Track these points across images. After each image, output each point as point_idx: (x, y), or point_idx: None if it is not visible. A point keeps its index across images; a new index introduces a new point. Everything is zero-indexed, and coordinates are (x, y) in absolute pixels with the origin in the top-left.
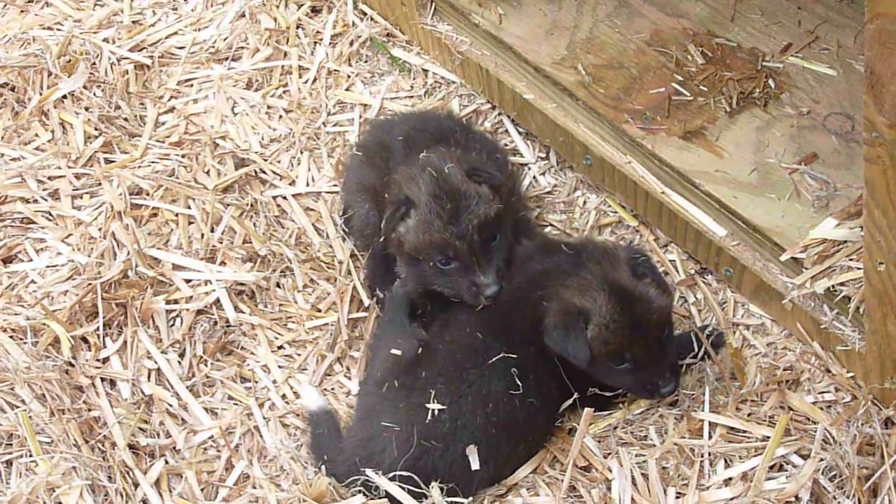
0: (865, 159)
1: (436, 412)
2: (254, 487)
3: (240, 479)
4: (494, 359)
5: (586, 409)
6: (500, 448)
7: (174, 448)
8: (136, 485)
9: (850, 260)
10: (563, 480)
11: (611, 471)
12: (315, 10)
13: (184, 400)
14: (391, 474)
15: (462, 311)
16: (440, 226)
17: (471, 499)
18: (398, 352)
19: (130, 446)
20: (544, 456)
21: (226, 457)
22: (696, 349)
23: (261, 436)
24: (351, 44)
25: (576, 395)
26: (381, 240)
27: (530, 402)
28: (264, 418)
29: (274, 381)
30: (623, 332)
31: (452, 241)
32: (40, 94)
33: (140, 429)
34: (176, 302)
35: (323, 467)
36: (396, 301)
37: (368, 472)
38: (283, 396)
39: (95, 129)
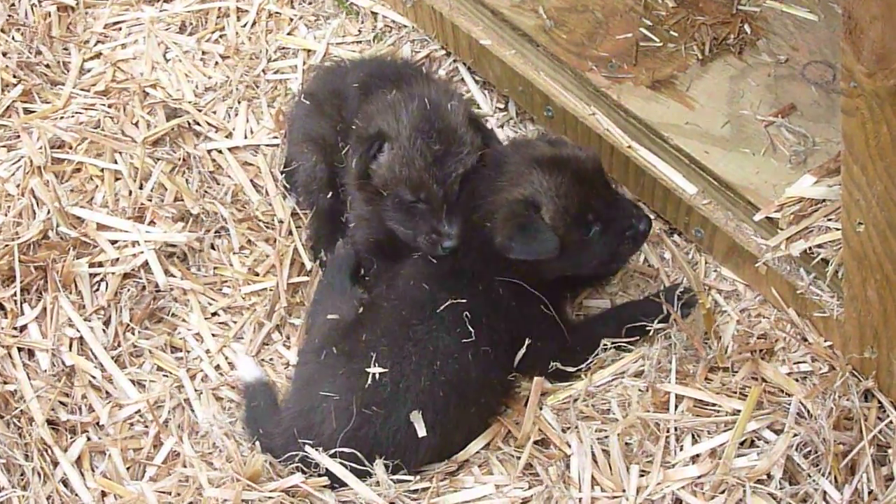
0: (843, 111)
1: (376, 376)
2: (184, 466)
3: (169, 457)
4: (442, 307)
5: (536, 379)
6: (448, 411)
7: (97, 424)
8: (56, 463)
9: (829, 220)
10: (518, 458)
11: (570, 446)
12: None
13: (108, 371)
14: (331, 450)
15: (408, 265)
16: (422, 165)
17: (417, 477)
18: (335, 316)
19: (50, 422)
20: (498, 430)
21: (154, 433)
22: (664, 312)
23: (192, 410)
24: None
25: (528, 343)
26: (352, 178)
27: (484, 353)
28: (196, 391)
29: (207, 351)
30: (573, 193)
31: (430, 183)
32: None
33: (61, 403)
34: (100, 265)
35: (258, 443)
36: (339, 262)
37: (308, 448)
38: (217, 367)
39: (14, 76)
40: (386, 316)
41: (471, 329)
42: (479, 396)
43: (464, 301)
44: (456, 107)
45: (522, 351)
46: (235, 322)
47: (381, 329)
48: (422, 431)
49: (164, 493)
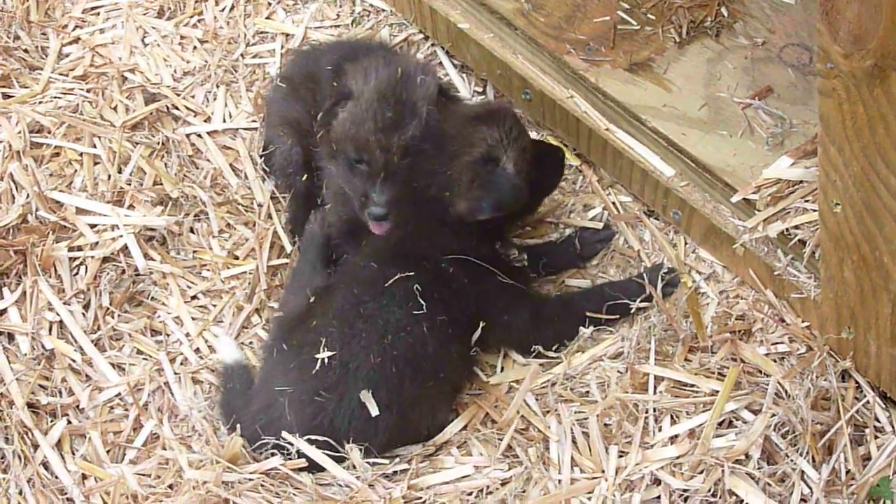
0: (820, 92)
1: (325, 361)
2: (164, 449)
3: (149, 440)
4: (391, 281)
5: (533, 366)
6: (403, 387)
7: (77, 407)
8: (36, 446)
9: (806, 201)
10: (499, 440)
11: (549, 428)
12: None
13: (88, 355)
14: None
15: (361, 248)
16: (370, 128)
17: (397, 459)
18: (280, 313)
19: (30, 405)
20: (475, 412)
21: (134, 416)
22: (647, 292)
23: (171, 393)
24: None
25: (492, 317)
26: (316, 133)
27: (440, 326)
28: (175, 374)
29: (187, 335)
30: (521, 137)
31: (373, 147)
32: None
33: (41, 386)
34: (80, 249)
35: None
36: (308, 241)
37: (285, 434)
38: (197, 351)
39: None
40: (339, 298)
41: (422, 302)
42: (437, 371)
43: (412, 274)
44: (426, 81)
45: (480, 328)
46: (215, 305)
47: (332, 312)
48: (374, 410)
49: (144, 475)
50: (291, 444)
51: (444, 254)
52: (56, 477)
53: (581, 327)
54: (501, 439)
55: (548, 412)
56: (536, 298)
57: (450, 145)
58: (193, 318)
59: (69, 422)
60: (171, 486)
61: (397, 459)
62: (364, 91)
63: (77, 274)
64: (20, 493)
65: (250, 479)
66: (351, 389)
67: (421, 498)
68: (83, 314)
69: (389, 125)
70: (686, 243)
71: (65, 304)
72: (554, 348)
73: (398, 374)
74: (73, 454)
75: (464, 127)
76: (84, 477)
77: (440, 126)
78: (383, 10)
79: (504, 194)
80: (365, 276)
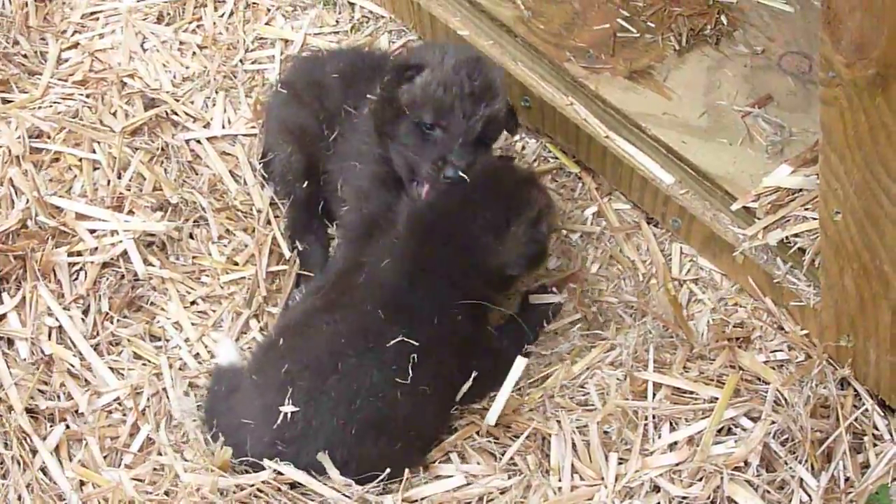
0: (821, 101)
1: (288, 415)
2: (159, 454)
3: (145, 445)
4: (392, 342)
5: (519, 359)
6: (366, 449)
7: (76, 411)
8: (35, 451)
9: (806, 210)
10: (498, 450)
11: (549, 435)
12: None
13: (87, 360)
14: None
15: (364, 281)
16: (457, 92)
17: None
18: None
19: (29, 410)
20: (470, 423)
21: (131, 421)
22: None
23: (167, 398)
24: None
25: (474, 375)
26: (375, 103)
27: (422, 391)
28: (171, 379)
29: (186, 340)
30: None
31: (458, 111)
32: None
33: (40, 391)
34: (79, 254)
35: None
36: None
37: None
38: (197, 356)
39: None
40: (319, 342)
41: (409, 372)
42: (409, 431)
43: (415, 341)
44: (500, 71)
45: (467, 386)
46: (214, 311)
47: (307, 358)
48: (333, 473)
49: (140, 480)
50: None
51: (455, 300)
52: (54, 482)
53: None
54: (502, 450)
55: (548, 419)
56: (496, 341)
57: (510, 199)
58: (193, 324)
59: (68, 427)
60: (167, 493)
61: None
62: (445, 61)
63: (76, 279)
64: (19, 498)
65: (243, 489)
66: (310, 447)
67: None
68: (83, 319)
69: (474, 94)
70: (682, 253)
71: (64, 309)
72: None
73: (361, 439)
74: (70, 459)
75: (519, 185)
76: (82, 483)
77: (497, 176)
78: (382, 17)
79: (539, 256)
80: (359, 325)
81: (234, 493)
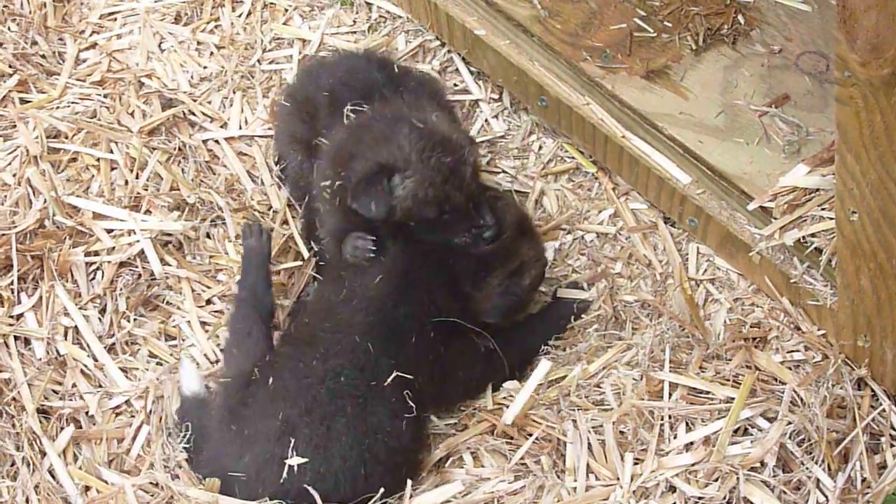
0: (837, 101)
1: (295, 468)
2: (151, 467)
3: (144, 451)
4: (388, 380)
5: (543, 362)
6: (373, 483)
7: (87, 413)
8: (44, 453)
9: (823, 209)
10: (508, 450)
11: (565, 435)
12: None
13: (100, 361)
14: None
15: (344, 318)
16: (441, 181)
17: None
18: (228, 378)
19: (41, 411)
20: (482, 420)
21: (137, 425)
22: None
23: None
24: None
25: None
26: (375, 216)
27: (421, 418)
28: (170, 391)
29: (207, 337)
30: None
31: (453, 193)
32: None
33: (54, 391)
34: (96, 254)
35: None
36: (248, 259)
37: None
38: (208, 355)
39: (10, 66)
40: (313, 384)
41: (412, 404)
42: (410, 456)
43: (409, 377)
44: (440, 116)
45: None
46: (230, 309)
47: (305, 403)
48: None
49: (144, 491)
50: None
51: (441, 314)
52: (61, 485)
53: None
54: (513, 450)
55: (563, 419)
56: (487, 350)
57: (498, 249)
58: (205, 323)
59: (76, 428)
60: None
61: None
62: (407, 156)
63: (94, 279)
64: (27, 500)
65: None
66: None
67: None
68: (99, 319)
69: (454, 167)
70: (699, 252)
71: (81, 308)
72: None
73: (368, 477)
74: (75, 461)
75: (513, 237)
76: (87, 488)
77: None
78: (399, 17)
79: (516, 308)
80: (356, 363)
81: None
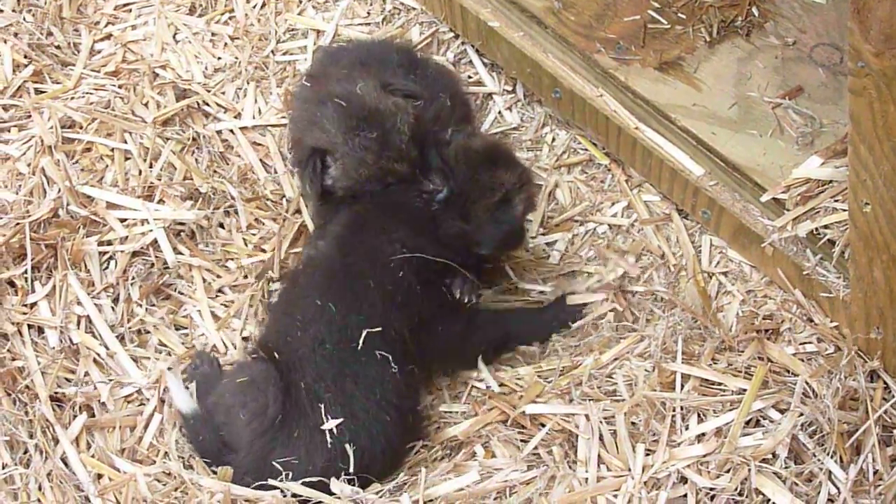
0: (851, 91)
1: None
2: (166, 456)
3: (156, 440)
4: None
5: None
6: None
7: (99, 401)
8: (57, 440)
9: (836, 201)
10: (518, 439)
11: (577, 427)
12: None
13: (112, 349)
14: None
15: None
16: (373, 158)
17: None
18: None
19: (54, 398)
20: (492, 409)
21: (148, 413)
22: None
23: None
24: None
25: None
26: (312, 198)
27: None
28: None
29: (217, 328)
30: (532, 184)
31: (390, 166)
32: None
33: (66, 379)
34: (110, 243)
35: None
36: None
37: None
38: (217, 345)
39: (25, 56)
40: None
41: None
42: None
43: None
44: (364, 86)
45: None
46: (240, 299)
47: (321, 371)
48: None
49: (158, 481)
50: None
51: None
52: (73, 472)
53: (506, 346)
54: (525, 440)
55: (574, 411)
56: (470, 309)
57: (472, 189)
58: (216, 313)
59: (88, 417)
60: (182, 491)
61: (404, 470)
62: (333, 138)
63: (107, 268)
64: (39, 488)
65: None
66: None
67: None
68: (112, 308)
69: (383, 140)
70: (712, 245)
71: (94, 297)
72: (477, 358)
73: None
74: (88, 449)
75: (482, 171)
76: (99, 475)
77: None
78: (413, 9)
79: (511, 235)
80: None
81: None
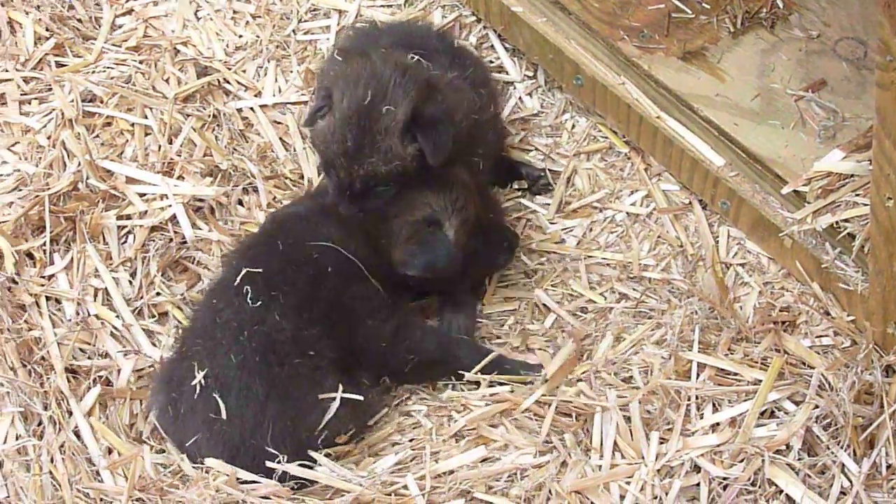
0: (878, 85)
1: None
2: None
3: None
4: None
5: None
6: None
7: (117, 372)
8: (70, 413)
9: (857, 195)
10: (534, 424)
11: (592, 413)
12: None
13: (128, 322)
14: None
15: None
16: (336, 150)
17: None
18: None
19: (70, 370)
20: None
21: None
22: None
23: None
24: None
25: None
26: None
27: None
28: None
29: None
30: (467, 210)
31: (338, 168)
32: None
33: (82, 350)
34: (128, 217)
35: None
36: None
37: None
38: None
39: (47, 29)
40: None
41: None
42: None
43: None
44: (392, 112)
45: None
46: None
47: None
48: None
49: (162, 465)
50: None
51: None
52: (85, 445)
53: (441, 369)
54: (538, 424)
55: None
56: (408, 315)
57: (396, 203)
58: None
59: (103, 388)
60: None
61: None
62: (337, 109)
63: (125, 242)
64: (51, 460)
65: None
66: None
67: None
68: (129, 282)
69: (352, 153)
70: (730, 236)
71: (112, 271)
72: (405, 370)
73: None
74: (101, 419)
75: (412, 189)
76: (109, 450)
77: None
78: None
79: (438, 258)
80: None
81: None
